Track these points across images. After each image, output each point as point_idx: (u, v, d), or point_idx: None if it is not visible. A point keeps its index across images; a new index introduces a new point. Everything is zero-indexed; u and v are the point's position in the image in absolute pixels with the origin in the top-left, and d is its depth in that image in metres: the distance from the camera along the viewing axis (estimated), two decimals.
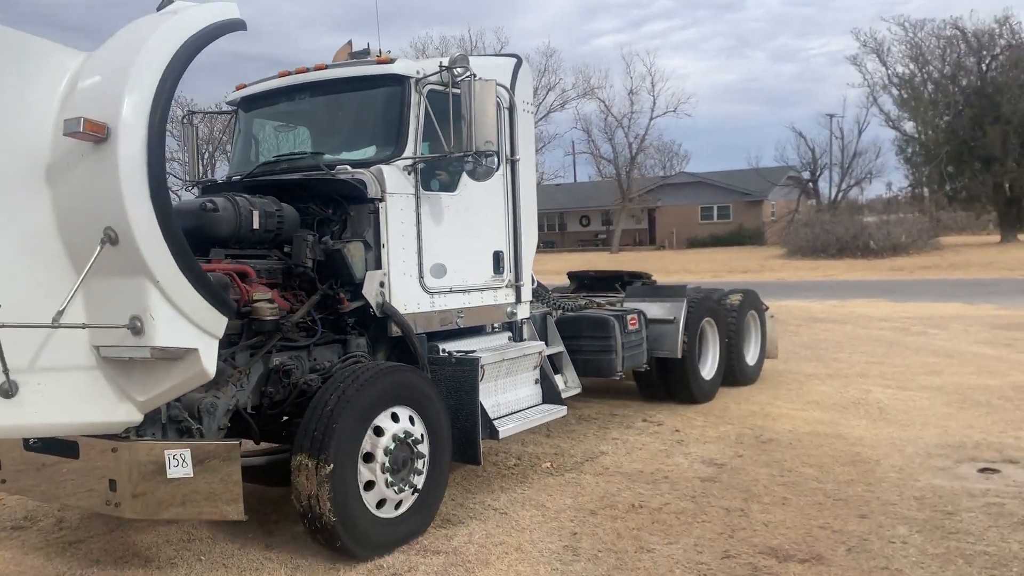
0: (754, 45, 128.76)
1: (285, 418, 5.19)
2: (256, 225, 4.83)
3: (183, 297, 3.84)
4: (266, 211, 4.93)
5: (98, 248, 3.63)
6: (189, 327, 3.88)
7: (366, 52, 6.03)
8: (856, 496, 5.49)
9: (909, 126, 43.06)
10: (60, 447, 4.30)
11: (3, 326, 3.37)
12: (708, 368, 8.59)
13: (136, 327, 3.76)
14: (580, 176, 66.12)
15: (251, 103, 6.18)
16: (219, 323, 4.00)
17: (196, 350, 3.89)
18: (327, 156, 5.61)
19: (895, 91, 42.99)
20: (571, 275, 10.21)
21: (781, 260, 37.01)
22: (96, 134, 3.59)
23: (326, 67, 5.74)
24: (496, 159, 5.30)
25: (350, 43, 7.02)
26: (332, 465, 4.35)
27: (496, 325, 6.42)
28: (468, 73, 5.14)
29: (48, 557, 4.88)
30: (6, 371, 3.47)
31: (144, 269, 3.73)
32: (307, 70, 5.79)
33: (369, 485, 4.62)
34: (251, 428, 4.87)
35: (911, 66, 42.14)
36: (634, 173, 52.86)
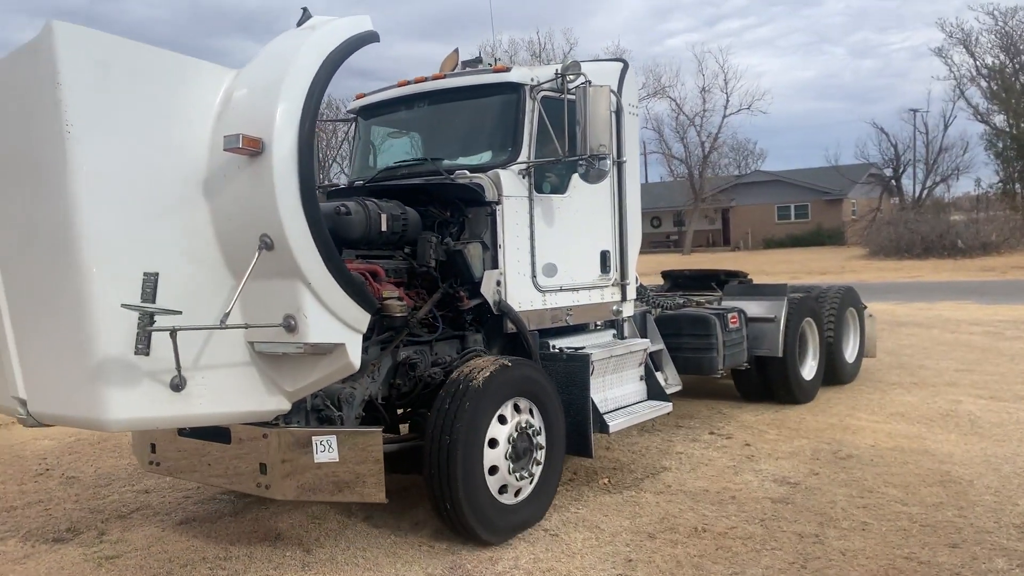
0: (833, 41, 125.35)
1: (403, 409, 5.52)
2: (384, 227, 5.11)
3: (332, 296, 4.13)
4: (392, 214, 5.21)
5: (256, 254, 3.93)
6: (337, 324, 4.18)
7: (478, 61, 6.30)
8: (946, 522, 5.02)
9: (999, 119, 41.62)
10: (211, 433, 4.69)
11: (180, 328, 3.71)
12: (808, 368, 8.57)
13: (290, 325, 4.07)
14: (651, 176, 65.66)
15: (370, 112, 6.53)
16: (363, 319, 4.31)
17: (343, 344, 4.20)
18: (445, 161, 5.89)
19: (984, 83, 41.56)
20: (665, 274, 10.29)
21: (863, 261, 35.99)
22: (252, 148, 3.89)
23: (444, 76, 6.03)
24: (608, 162, 5.46)
25: (456, 51, 7.31)
26: (460, 452, 4.62)
27: (599, 323, 6.60)
28: (583, 79, 5.32)
29: (83, 573, 4.82)
30: (179, 368, 3.80)
31: (297, 272, 4.03)
32: (425, 80, 6.09)
33: (493, 470, 4.88)
34: (381, 417, 5.18)
35: (1001, 56, 40.67)
36: (707, 172, 52.31)
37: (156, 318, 3.59)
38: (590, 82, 5.30)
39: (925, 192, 49.91)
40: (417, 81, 6.13)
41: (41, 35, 3.56)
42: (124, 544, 5.25)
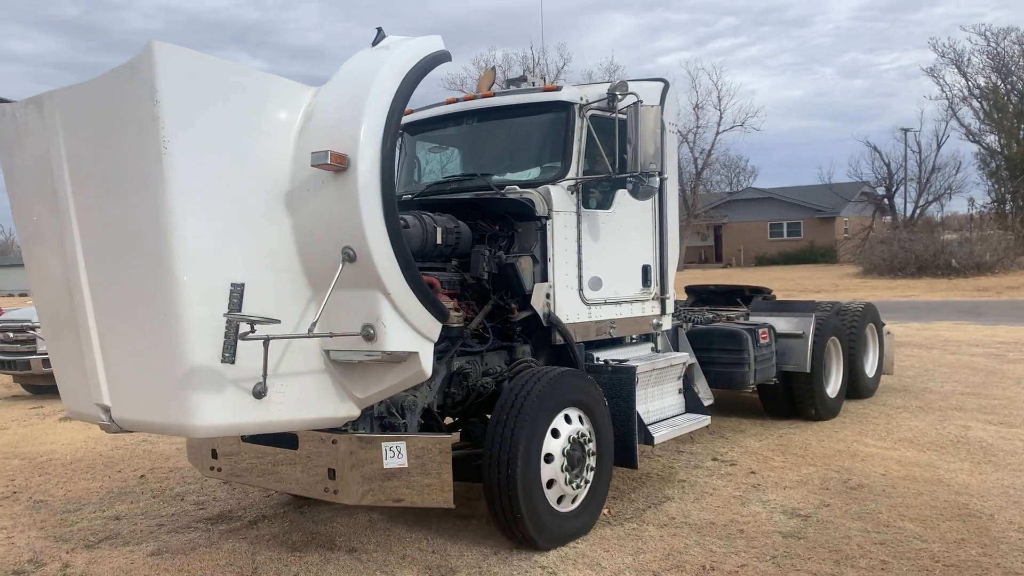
0: (822, 61, 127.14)
1: (452, 418, 5.65)
2: (439, 240, 5.25)
3: (408, 306, 4.29)
4: (447, 228, 5.36)
5: (340, 266, 4.07)
6: (412, 333, 4.33)
7: (522, 79, 6.48)
8: (971, 561, 4.71)
9: (992, 139, 42.12)
10: (277, 439, 4.80)
11: (273, 337, 3.85)
12: (832, 385, 8.73)
13: (369, 334, 4.22)
14: None
15: (417, 127, 6.69)
16: (435, 328, 4.46)
17: (417, 353, 4.35)
18: (494, 177, 6.05)
19: (976, 103, 42.14)
20: (689, 289, 10.44)
21: (856, 279, 36.20)
22: (339, 164, 4.04)
23: (493, 95, 6.21)
24: (657, 179, 5.63)
25: (493, 70, 7.52)
26: (520, 462, 4.75)
27: (634, 336, 6.76)
28: (634, 99, 5.50)
29: None
30: (265, 375, 3.93)
31: (378, 283, 4.18)
32: (473, 97, 6.27)
33: (550, 482, 5.03)
34: (436, 425, 5.30)
35: (993, 77, 41.28)
36: (699, 189, 52.64)
37: (255, 327, 3.71)
38: (641, 101, 5.47)
39: (918, 211, 50.58)
40: (466, 99, 6.31)
41: (141, 54, 3.69)
42: None
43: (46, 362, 11.59)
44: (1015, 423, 8.16)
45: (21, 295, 58.73)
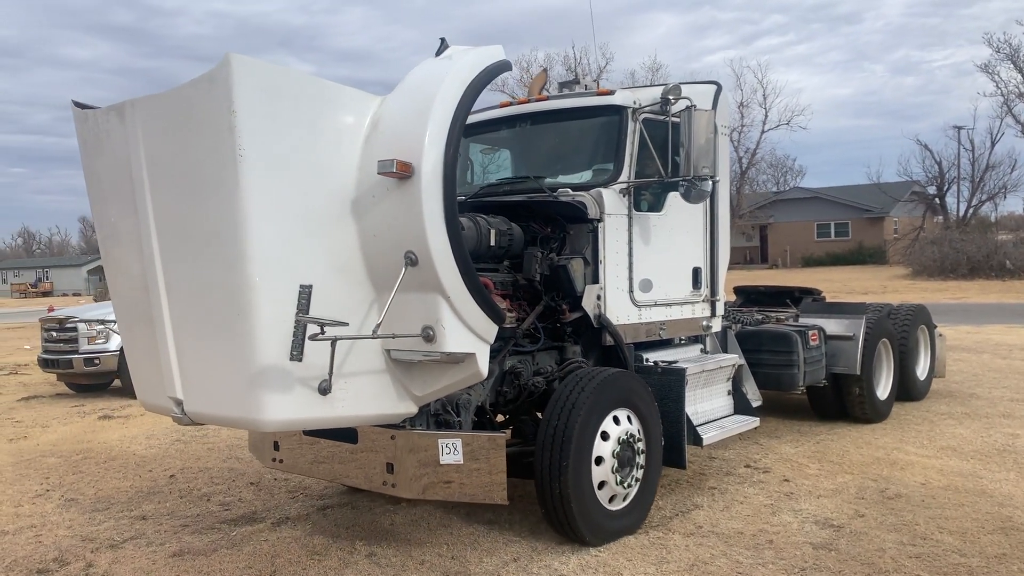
0: (872, 58, 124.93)
1: (503, 416, 5.77)
2: (492, 242, 5.36)
3: (467, 309, 4.43)
4: (500, 230, 5.47)
5: (403, 270, 4.22)
6: (470, 335, 4.48)
7: (575, 82, 6.58)
8: None
9: None
10: (337, 433, 4.99)
11: (340, 338, 4.03)
12: (883, 387, 8.69)
13: (428, 335, 4.38)
14: None
15: (471, 130, 6.75)
16: (492, 330, 4.60)
17: (474, 354, 4.49)
18: (547, 180, 6.15)
19: None
20: (738, 290, 10.44)
21: (906, 281, 35.61)
22: (404, 172, 4.19)
23: (547, 98, 6.32)
24: (710, 183, 5.67)
25: (545, 71, 7.62)
26: (572, 462, 4.87)
27: (683, 338, 6.82)
28: (688, 104, 5.54)
29: None
30: (331, 374, 4.10)
31: (438, 286, 4.32)
32: (528, 101, 6.39)
33: (601, 484, 5.13)
34: (488, 423, 5.44)
35: None
36: (744, 189, 52.13)
37: (325, 329, 3.88)
38: (695, 106, 5.52)
39: (970, 211, 49.35)
40: (520, 103, 6.43)
41: (220, 66, 3.87)
42: None
43: (88, 361, 12.03)
44: None
45: (75, 294, 60.56)
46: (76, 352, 12.15)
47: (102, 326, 12.17)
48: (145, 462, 7.97)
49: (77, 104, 4.69)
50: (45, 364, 12.59)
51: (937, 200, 51.37)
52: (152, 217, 4.32)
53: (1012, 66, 42.00)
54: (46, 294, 71.34)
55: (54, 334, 12.46)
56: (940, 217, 50.99)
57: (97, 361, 12.12)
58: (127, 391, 12.09)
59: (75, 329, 12.20)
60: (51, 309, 16.81)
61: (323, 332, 3.89)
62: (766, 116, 51.17)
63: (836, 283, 34.78)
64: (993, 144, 48.59)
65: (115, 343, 11.97)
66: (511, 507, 5.64)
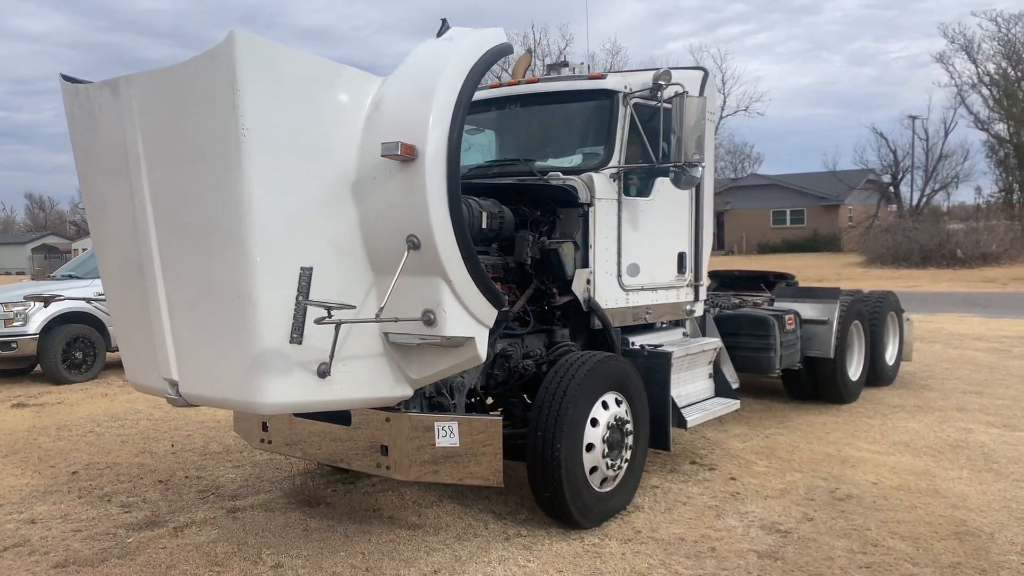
0: (831, 48, 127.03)
1: (491, 399, 5.81)
2: (484, 225, 5.36)
3: (467, 293, 4.44)
4: (491, 212, 5.46)
5: (405, 253, 4.21)
6: (470, 319, 4.49)
7: (563, 65, 6.58)
8: None
9: (1001, 127, 42.07)
10: (330, 415, 4.97)
11: (344, 321, 4.01)
12: (854, 369, 8.96)
13: (429, 319, 4.38)
14: None
15: None
16: (491, 315, 4.61)
17: (473, 338, 4.51)
18: (537, 163, 6.16)
19: (985, 90, 42.07)
20: (713, 274, 10.46)
21: (859, 268, 35.97)
22: (408, 155, 4.16)
23: (538, 80, 6.32)
24: (700, 169, 5.71)
25: (529, 52, 7.58)
26: (563, 444, 4.92)
27: (665, 322, 6.92)
28: (679, 89, 5.58)
29: None
30: (332, 356, 4.09)
31: (440, 270, 4.32)
32: (519, 83, 6.39)
33: (593, 468, 5.20)
34: (479, 405, 5.48)
35: (1003, 64, 41.19)
36: None
37: (332, 313, 3.87)
38: (686, 92, 5.56)
39: (924, 200, 50.45)
40: (510, 84, 6.42)
41: (223, 43, 3.81)
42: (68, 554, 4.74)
43: (4, 345, 11.37)
44: (1019, 426, 7.71)
45: (19, 273, 58.04)
46: None
47: (21, 307, 11.45)
48: (49, 456, 7.42)
49: (66, 78, 4.57)
50: None
51: (891, 189, 52.47)
52: (148, 195, 4.25)
53: (966, 57, 43.05)
54: None
55: None
56: (894, 206, 52.09)
57: (14, 345, 11.40)
58: (48, 377, 11.67)
59: None
60: None
61: (330, 316, 3.87)
62: (724, 102, 51.28)
63: (792, 269, 33.49)
64: (947, 134, 50.10)
65: (34, 326, 11.40)
66: (436, 510, 5.64)
